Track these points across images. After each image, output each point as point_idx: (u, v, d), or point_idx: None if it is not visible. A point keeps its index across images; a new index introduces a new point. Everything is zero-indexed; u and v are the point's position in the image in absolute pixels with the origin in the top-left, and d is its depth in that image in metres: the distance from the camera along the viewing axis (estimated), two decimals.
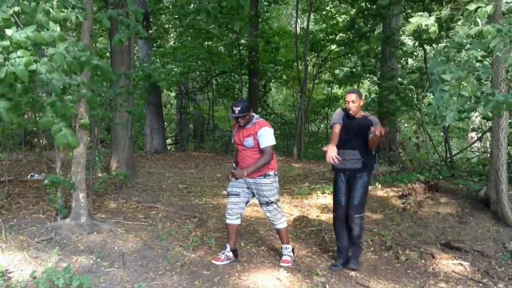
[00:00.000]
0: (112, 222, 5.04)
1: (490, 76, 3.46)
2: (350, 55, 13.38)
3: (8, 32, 2.51)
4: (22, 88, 2.73)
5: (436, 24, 3.22)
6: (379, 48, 10.33)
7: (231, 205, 4.05)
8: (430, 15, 3.32)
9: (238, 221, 4.11)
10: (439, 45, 7.65)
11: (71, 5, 3.23)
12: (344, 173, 4.03)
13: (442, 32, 6.72)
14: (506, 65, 3.02)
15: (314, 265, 4.09)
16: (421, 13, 3.31)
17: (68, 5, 3.23)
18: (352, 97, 3.97)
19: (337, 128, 4.03)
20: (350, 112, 3.96)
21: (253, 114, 4.02)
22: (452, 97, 2.96)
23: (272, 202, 4.02)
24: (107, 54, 11.17)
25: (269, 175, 3.97)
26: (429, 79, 7.86)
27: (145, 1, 11.33)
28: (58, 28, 2.77)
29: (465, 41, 3.10)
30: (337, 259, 4.10)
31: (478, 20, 3.01)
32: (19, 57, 2.45)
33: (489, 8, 2.98)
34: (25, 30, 2.54)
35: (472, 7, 3.04)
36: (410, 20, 3.32)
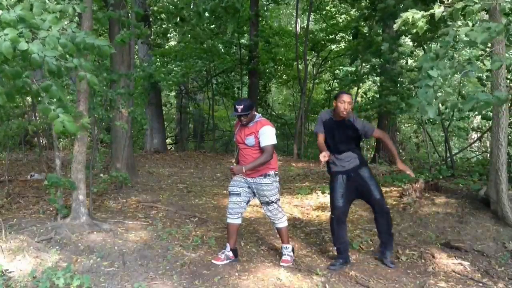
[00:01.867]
0: (112, 221, 5.04)
1: (489, 77, 3.47)
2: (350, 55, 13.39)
3: None
4: (14, 72, 2.65)
5: (424, 20, 3.21)
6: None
7: (232, 204, 4.05)
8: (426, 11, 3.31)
9: (239, 221, 4.11)
10: (437, 44, 7.65)
11: None
12: (347, 174, 4.02)
13: (436, 31, 6.71)
14: (492, 68, 3.01)
15: (314, 265, 4.09)
16: (415, 10, 3.28)
17: None
18: (348, 98, 3.94)
19: (321, 138, 4.06)
20: (344, 113, 3.93)
21: (256, 113, 4.03)
22: (436, 92, 2.96)
23: (272, 202, 4.02)
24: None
25: (269, 175, 3.97)
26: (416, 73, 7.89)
27: (145, 2, 11.34)
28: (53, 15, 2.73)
29: (458, 38, 3.10)
30: (336, 259, 4.10)
31: (469, 21, 3.01)
32: (5, 34, 2.38)
33: (477, 7, 2.97)
34: (14, 9, 2.49)
35: (459, 5, 3.03)
36: (401, 14, 3.30)
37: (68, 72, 2.82)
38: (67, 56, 2.73)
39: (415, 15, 3.18)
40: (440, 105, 2.95)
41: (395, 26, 3.35)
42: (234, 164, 4.16)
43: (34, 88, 2.76)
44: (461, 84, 3.18)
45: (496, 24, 2.90)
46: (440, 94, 2.98)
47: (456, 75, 3.06)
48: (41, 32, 2.57)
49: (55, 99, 2.70)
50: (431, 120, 9.05)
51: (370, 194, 4.01)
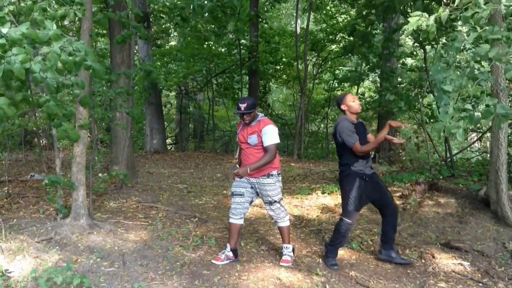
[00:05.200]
0: (112, 222, 5.04)
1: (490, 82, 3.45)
2: (350, 55, 13.38)
3: (3, 29, 2.50)
4: (16, 86, 2.73)
5: (435, 25, 3.22)
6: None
7: (235, 205, 4.05)
8: (429, 15, 3.32)
9: (241, 221, 4.11)
10: (439, 45, 7.67)
11: (69, 2, 3.23)
12: (364, 178, 3.98)
13: (441, 32, 6.73)
14: (507, 76, 2.98)
15: (314, 265, 4.09)
16: (420, 12, 3.30)
17: (66, 2, 3.23)
18: (356, 97, 4.04)
19: (358, 143, 3.93)
20: (359, 109, 3.99)
21: (258, 112, 4.02)
22: (457, 110, 2.94)
23: (275, 201, 4.02)
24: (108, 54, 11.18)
25: (272, 174, 3.97)
26: (429, 78, 7.87)
27: (145, 2, 11.35)
28: (54, 26, 2.76)
29: (467, 45, 3.11)
30: (333, 258, 4.11)
31: (477, 27, 3.00)
32: (14, 55, 2.43)
33: (485, 14, 2.97)
34: (20, 28, 2.53)
35: (468, 13, 3.03)
36: (409, 19, 3.32)
37: (64, 87, 2.87)
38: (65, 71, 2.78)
39: (428, 22, 3.17)
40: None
41: (405, 34, 3.38)
42: (236, 165, 4.13)
43: (35, 100, 2.85)
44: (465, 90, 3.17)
45: (504, 32, 2.89)
46: (459, 113, 2.95)
47: (469, 84, 3.04)
48: (43, 47, 2.61)
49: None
50: (431, 120, 9.06)
51: (385, 197, 4.07)
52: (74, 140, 2.82)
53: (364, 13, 8.24)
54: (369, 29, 8.54)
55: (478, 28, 2.99)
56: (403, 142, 3.94)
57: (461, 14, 3.10)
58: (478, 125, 10.50)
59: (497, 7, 3.16)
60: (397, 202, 6.17)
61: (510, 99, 5.98)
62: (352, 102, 3.96)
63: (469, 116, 2.96)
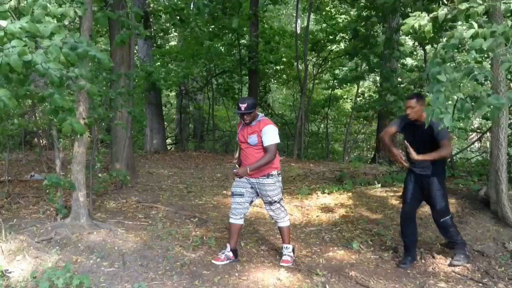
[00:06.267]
0: (112, 222, 5.04)
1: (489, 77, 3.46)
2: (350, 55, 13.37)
3: (2, 23, 2.50)
4: (18, 80, 2.73)
5: (430, 24, 3.24)
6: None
7: (235, 205, 4.05)
8: (429, 15, 3.33)
9: (241, 221, 4.10)
10: (438, 44, 7.66)
11: (69, 0, 3.23)
12: (415, 176, 4.10)
13: (441, 32, 6.73)
14: (502, 69, 2.98)
15: (314, 265, 4.09)
16: (418, 12, 3.31)
17: (66, 0, 3.23)
18: (410, 103, 3.97)
19: (392, 129, 4.19)
20: (409, 117, 4.00)
21: (258, 112, 4.02)
22: (448, 98, 2.95)
23: (275, 202, 4.02)
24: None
25: (272, 175, 3.96)
26: (428, 79, 7.88)
27: (145, 1, 11.34)
28: (55, 21, 2.77)
29: (464, 41, 3.10)
30: (404, 257, 4.14)
31: (474, 23, 3.00)
32: (13, 47, 2.43)
33: (481, 9, 2.98)
34: (20, 21, 2.53)
35: (463, 6, 3.03)
36: (406, 20, 3.34)
37: (68, 80, 2.86)
38: (69, 64, 2.77)
39: (421, 21, 3.18)
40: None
41: (402, 31, 3.38)
42: (236, 166, 4.13)
43: (38, 94, 2.84)
44: (461, 85, 3.17)
45: (501, 26, 2.89)
46: (451, 101, 2.97)
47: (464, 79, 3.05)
48: (44, 41, 2.61)
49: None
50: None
51: (432, 203, 4.15)
52: (81, 133, 2.83)
53: (364, 14, 8.25)
54: (370, 31, 8.55)
55: (475, 25, 2.99)
56: (408, 166, 4.05)
57: (457, 8, 3.10)
58: (477, 125, 10.51)
59: (496, 3, 3.15)
60: (396, 202, 6.17)
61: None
62: (405, 108, 4.06)
63: (460, 104, 2.95)
